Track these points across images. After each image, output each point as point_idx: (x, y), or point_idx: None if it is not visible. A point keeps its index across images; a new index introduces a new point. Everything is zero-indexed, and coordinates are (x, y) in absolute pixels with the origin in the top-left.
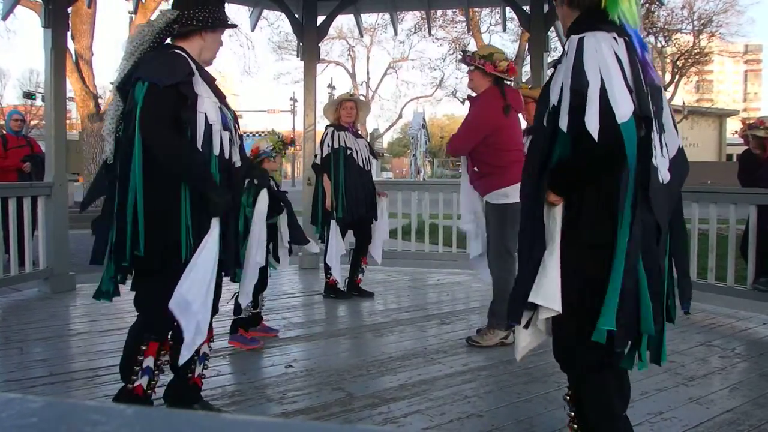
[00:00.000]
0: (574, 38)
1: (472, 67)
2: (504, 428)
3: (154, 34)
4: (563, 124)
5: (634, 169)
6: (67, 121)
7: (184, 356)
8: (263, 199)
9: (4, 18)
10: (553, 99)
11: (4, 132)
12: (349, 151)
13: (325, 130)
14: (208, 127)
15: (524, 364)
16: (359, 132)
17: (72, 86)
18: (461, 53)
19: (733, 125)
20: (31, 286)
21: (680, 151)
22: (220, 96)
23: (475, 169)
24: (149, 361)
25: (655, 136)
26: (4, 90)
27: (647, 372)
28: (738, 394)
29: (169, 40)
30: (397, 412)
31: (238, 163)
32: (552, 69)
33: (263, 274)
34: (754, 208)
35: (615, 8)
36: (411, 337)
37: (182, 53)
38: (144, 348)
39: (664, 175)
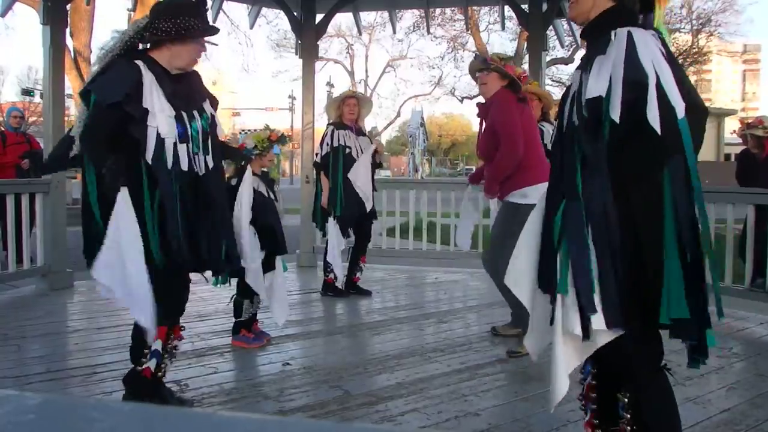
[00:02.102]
0: (623, 31)
1: (486, 72)
2: (501, 427)
3: (124, 41)
4: (615, 114)
5: (687, 166)
6: (66, 118)
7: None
8: (247, 182)
9: (3, 15)
10: (600, 90)
11: (3, 129)
12: (348, 150)
13: (327, 128)
14: (160, 140)
15: (522, 364)
16: (362, 130)
17: (70, 83)
18: (475, 56)
19: (731, 125)
20: (28, 283)
21: None
22: (192, 101)
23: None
24: (158, 345)
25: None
26: (2, 87)
27: None
28: (735, 393)
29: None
30: (394, 411)
31: (202, 171)
32: (555, 64)
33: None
34: (752, 208)
35: (661, 28)
36: (408, 336)
37: (141, 63)
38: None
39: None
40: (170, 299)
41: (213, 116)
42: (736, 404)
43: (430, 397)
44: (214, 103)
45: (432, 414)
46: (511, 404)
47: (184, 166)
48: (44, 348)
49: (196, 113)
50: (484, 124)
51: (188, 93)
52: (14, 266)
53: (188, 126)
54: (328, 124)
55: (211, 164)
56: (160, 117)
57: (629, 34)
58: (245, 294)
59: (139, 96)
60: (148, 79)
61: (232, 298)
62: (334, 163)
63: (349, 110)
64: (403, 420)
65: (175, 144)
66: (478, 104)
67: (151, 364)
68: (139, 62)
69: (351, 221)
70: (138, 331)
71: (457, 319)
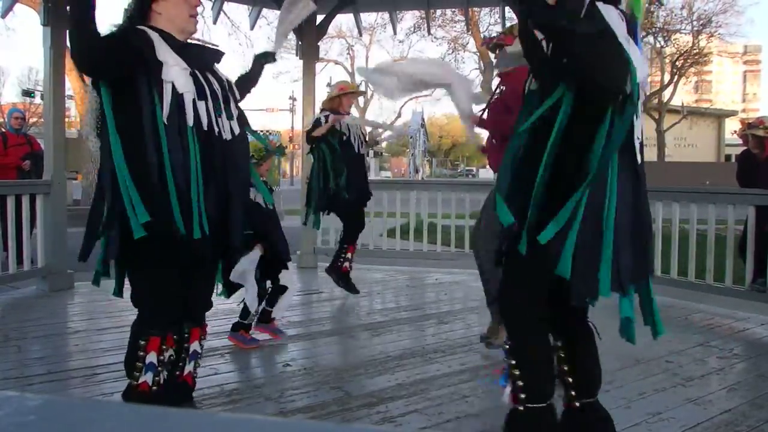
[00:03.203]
0: (586, 2)
1: (496, 50)
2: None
3: (124, 20)
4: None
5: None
6: (66, 119)
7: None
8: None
9: (4, 16)
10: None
11: (4, 130)
12: (345, 137)
13: (322, 112)
14: (177, 96)
15: None
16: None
17: (71, 84)
18: (483, 41)
19: (731, 126)
20: (29, 284)
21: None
22: (204, 61)
23: (494, 141)
24: (152, 357)
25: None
26: (3, 88)
27: (645, 372)
28: (736, 394)
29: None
30: (394, 412)
31: (228, 136)
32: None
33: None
34: (753, 209)
35: (639, 6)
36: (409, 337)
37: (143, 28)
38: (143, 343)
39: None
40: (166, 303)
41: (230, 82)
42: (736, 405)
43: (431, 398)
44: (220, 56)
45: (432, 415)
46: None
47: (205, 126)
48: (45, 349)
49: (210, 75)
50: (494, 97)
51: (198, 53)
52: (15, 267)
53: (204, 84)
54: (322, 110)
55: (237, 130)
56: (176, 70)
57: (591, 4)
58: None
59: (150, 48)
60: (155, 36)
61: (242, 300)
62: (330, 148)
63: (348, 103)
64: (403, 421)
65: (194, 101)
66: (499, 74)
67: (147, 377)
68: (142, 27)
69: (340, 208)
70: (131, 344)
71: (458, 320)
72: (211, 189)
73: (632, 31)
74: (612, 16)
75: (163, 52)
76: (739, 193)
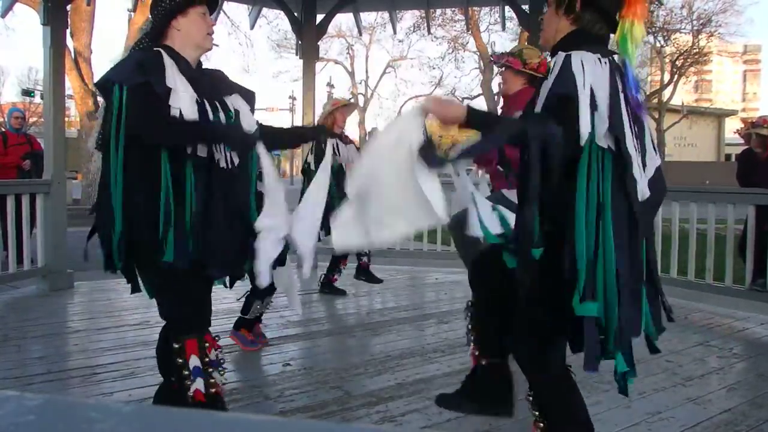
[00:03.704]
0: (561, 55)
1: (503, 68)
2: (502, 428)
3: (140, 38)
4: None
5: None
6: (66, 119)
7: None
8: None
9: (3, 15)
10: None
11: (5, 129)
12: (337, 159)
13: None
14: None
15: None
16: (348, 138)
17: (71, 84)
18: (492, 57)
19: (731, 125)
20: (29, 284)
21: (658, 170)
22: (215, 92)
23: (499, 168)
24: (194, 361)
25: (636, 155)
26: (2, 87)
27: (645, 372)
28: (736, 394)
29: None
30: (394, 411)
31: (228, 165)
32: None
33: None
34: (753, 208)
35: (625, 47)
36: (409, 336)
37: (159, 50)
38: (177, 347)
39: (644, 191)
40: (193, 304)
41: (238, 112)
42: (736, 405)
43: (431, 398)
44: (249, 96)
45: (433, 414)
46: None
47: (203, 154)
48: (44, 349)
49: (218, 105)
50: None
51: (210, 83)
52: (14, 267)
53: (210, 114)
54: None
55: (236, 161)
56: (184, 97)
57: (566, 56)
58: (258, 294)
59: (161, 76)
60: (169, 62)
61: (244, 295)
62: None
63: (342, 118)
64: (403, 421)
65: None
66: (504, 96)
67: (198, 384)
68: (157, 49)
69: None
70: (162, 348)
71: (458, 319)
72: (209, 216)
73: (621, 72)
74: (591, 69)
75: (174, 78)
76: (739, 193)
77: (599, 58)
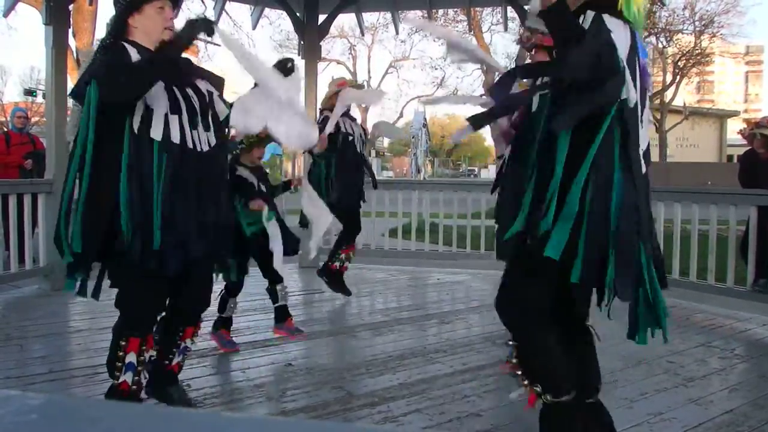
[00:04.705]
0: (591, 13)
1: (532, 51)
2: (503, 428)
3: (106, 35)
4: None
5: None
6: (68, 119)
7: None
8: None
9: (6, 15)
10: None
11: (7, 129)
12: (350, 137)
13: (322, 114)
14: (148, 110)
15: None
16: (352, 116)
17: (73, 83)
18: (520, 39)
19: (733, 126)
20: (30, 283)
21: (647, 147)
22: (183, 76)
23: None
24: (131, 357)
25: (641, 125)
26: (5, 87)
27: (646, 372)
28: (737, 395)
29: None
30: (396, 411)
31: (205, 147)
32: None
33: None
34: (755, 209)
35: (629, 9)
36: (411, 336)
37: (123, 43)
38: (124, 344)
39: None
40: (148, 306)
41: (211, 93)
42: (738, 405)
43: (432, 398)
44: (217, 82)
45: (434, 415)
46: (514, 405)
47: (176, 139)
48: (46, 348)
49: (189, 90)
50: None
51: (176, 69)
52: (16, 266)
53: (180, 98)
54: (324, 110)
55: (212, 141)
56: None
57: (597, 14)
58: (231, 292)
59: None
60: (133, 53)
61: (219, 294)
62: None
63: None
64: (405, 421)
65: (166, 115)
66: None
67: (127, 377)
68: (121, 43)
69: (341, 210)
70: (113, 344)
71: (459, 320)
72: (183, 200)
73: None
74: (617, 28)
75: None
76: (741, 194)
77: (623, 24)
